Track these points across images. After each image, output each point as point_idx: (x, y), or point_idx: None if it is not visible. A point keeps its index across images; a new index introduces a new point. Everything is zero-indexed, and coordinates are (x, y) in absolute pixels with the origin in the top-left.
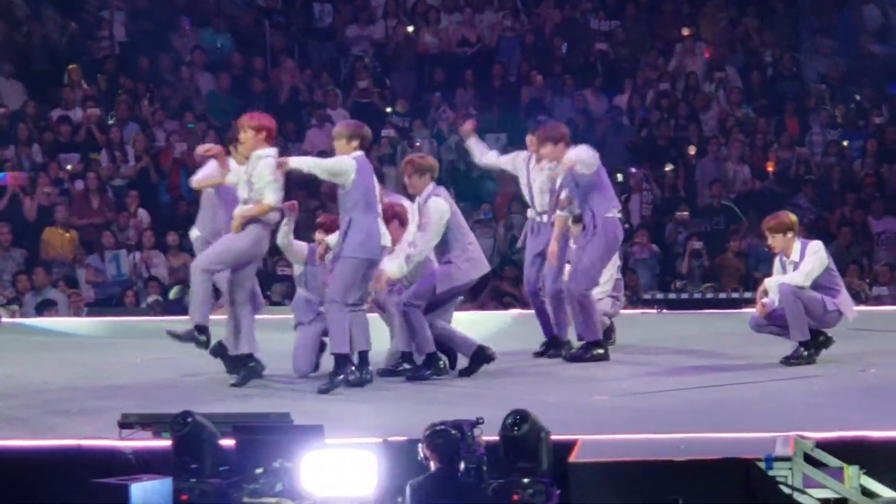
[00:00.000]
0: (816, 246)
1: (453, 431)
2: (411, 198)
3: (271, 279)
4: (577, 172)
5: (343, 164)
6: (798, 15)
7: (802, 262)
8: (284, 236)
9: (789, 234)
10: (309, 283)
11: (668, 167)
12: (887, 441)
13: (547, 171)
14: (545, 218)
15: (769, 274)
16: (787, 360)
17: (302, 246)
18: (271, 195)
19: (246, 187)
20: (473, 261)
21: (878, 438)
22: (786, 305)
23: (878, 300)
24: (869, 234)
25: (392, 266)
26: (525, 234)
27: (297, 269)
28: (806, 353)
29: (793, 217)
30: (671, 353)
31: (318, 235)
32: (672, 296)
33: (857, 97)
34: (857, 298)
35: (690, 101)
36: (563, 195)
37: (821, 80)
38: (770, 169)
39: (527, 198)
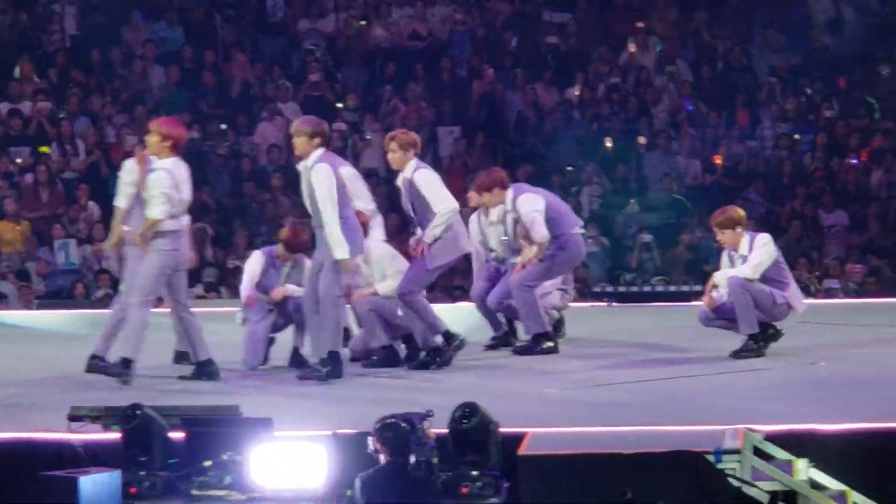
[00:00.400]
0: (764, 239)
1: (403, 424)
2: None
3: (224, 271)
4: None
5: (326, 179)
6: (749, 9)
7: (751, 254)
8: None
9: (738, 229)
10: (265, 285)
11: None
12: (836, 434)
13: (496, 224)
14: (507, 262)
15: (719, 267)
16: (737, 354)
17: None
18: (155, 209)
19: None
20: (461, 234)
21: (827, 431)
22: (734, 298)
23: (829, 293)
24: (819, 227)
25: (385, 287)
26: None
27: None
28: (755, 346)
29: (740, 212)
30: (621, 346)
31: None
32: (622, 289)
33: (808, 91)
34: (807, 292)
35: (641, 95)
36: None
37: (772, 74)
38: (720, 163)
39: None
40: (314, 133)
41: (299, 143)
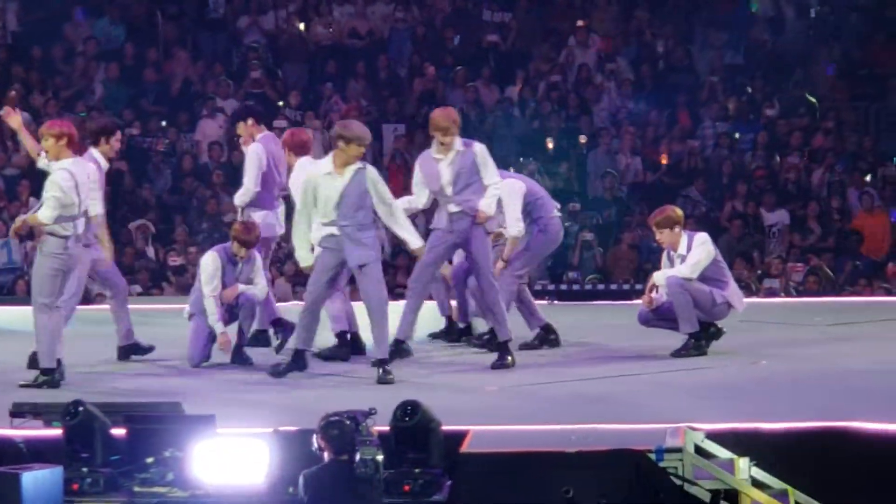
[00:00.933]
0: (703, 238)
1: (347, 422)
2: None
3: (163, 268)
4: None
5: (380, 178)
6: (691, 7)
7: (689, 254)
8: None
9: (676, 229)
10: (223, 282)
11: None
12: (777, 432)
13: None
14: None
15: (660, 267)
16: (678, 353)
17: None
18: (45, 212)
19: None
20: None
21: (768, 430)
22: (673, 297)
23: (769, 292)
24: (761, 226)
25: None
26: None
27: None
28: (696, 344)
29: (678, 211)
30: (563, 345)
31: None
32: (563, 287)
33: (749, 89)
34: (748, 291)
35: (582, 93)
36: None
37: (713, 73)
38: (662, 161)
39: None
40: (364, 142)
41: (352, 149)
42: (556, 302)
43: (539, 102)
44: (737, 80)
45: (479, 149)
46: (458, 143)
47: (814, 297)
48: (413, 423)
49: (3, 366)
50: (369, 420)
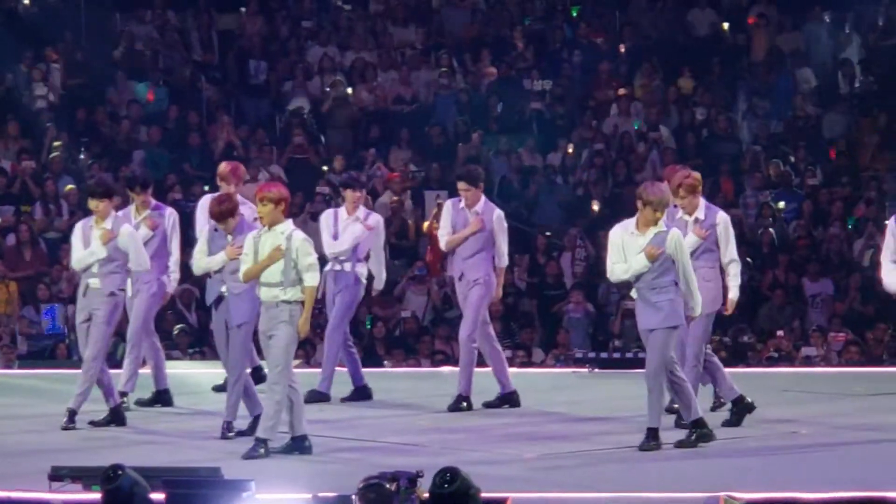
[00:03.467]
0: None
1: (387, 485)
2: None
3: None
4: None
5: None
6: (734, 76)
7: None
8: None
9: (698, 193)
10: None
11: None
12: (815, 502)
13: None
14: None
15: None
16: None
17: None
18: (317, 277)
19: None
20: None
21: (806, 499)
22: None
23: (810, 361)
24: (803, 296)
25: None
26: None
27: None
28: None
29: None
30: (601, 412)
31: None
32: (604, 355)
33: (792, 159)
34: (788, 360)
35: (627, 160)
36: None
37: (755, 142)
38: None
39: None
40: (657, 206)
41: (647, 212)
42: (596, 370)
43: (582, 170)
44: (779, 148)
45: None
46: None
47: (854, 366)
48: (452, 490)
49: (42, 428)
50: (419, 481)
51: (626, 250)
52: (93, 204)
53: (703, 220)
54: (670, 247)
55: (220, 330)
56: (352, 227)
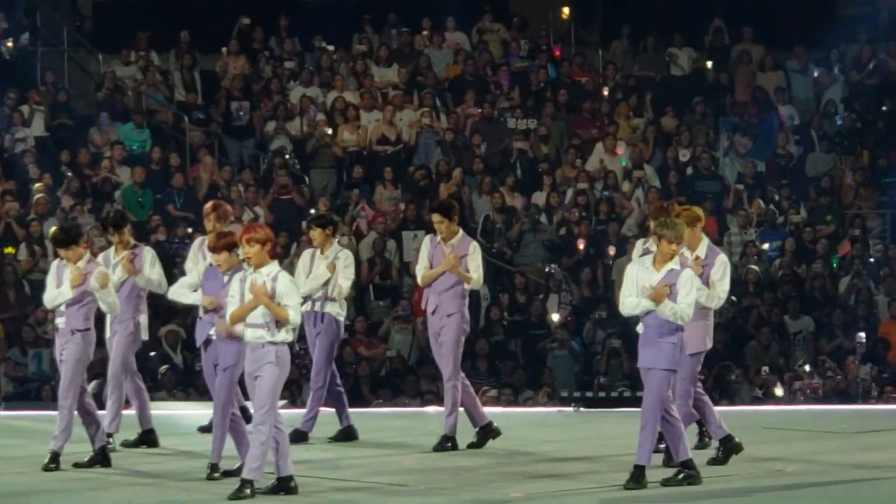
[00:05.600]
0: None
1: None
2: None
3: (190, 374)
4: None
5: None
6: (717, 115)
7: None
8: None
9: (698, 227)
10: None
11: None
12: None
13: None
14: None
15: None
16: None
17: None
18: (297, 317)
19: None
20: None
21: None
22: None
23: (794, 399)
24: (786, 333)
25: None
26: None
27: None
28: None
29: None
30: (588, 451)
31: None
32: (589, 394)
33: (776, 197)
34: (773, 399)
35: (610, 200)
36: None
37: (739, 180)
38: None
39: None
40: (671, 240)
41: (663, 246)
42: (582, 409)
43: (567, 209)
44: (763, 187)
45: None
46: None
47: (839, 404)
48: None
49: (27, 469)
50: None
51: (639, 285)
52: (61, 253)
53: (703, 259)
54: (679, 285)
55: (210, 371)
56: (319, 266)
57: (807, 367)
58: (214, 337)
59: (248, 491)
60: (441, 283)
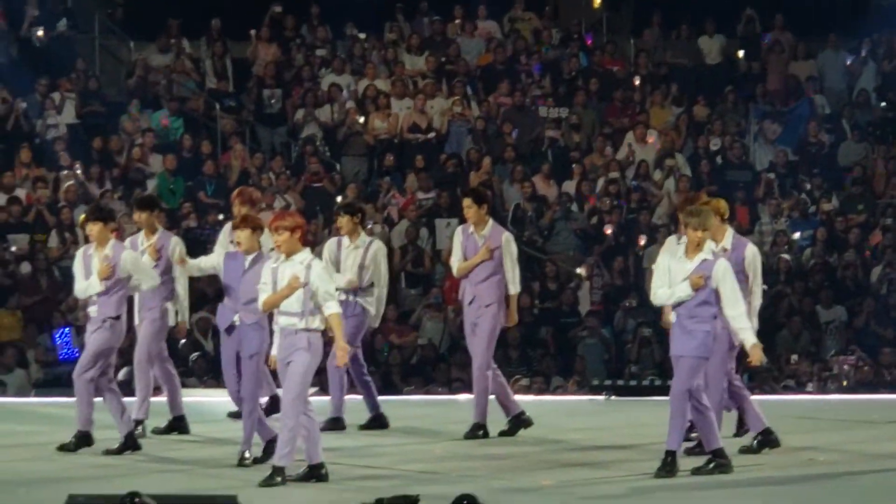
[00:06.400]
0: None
1: None
2: None
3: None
4: None
5: None
6: (748, 104)
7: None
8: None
9: (721, 220)
10: None
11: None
12: None
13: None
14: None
15: None
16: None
17: None
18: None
19: None
20: None
21: None
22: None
23: (825, 388)
24: (817, 323)
25: None
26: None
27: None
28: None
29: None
30: (618, 439)
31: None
32: (620, 382)
33: (808, 186)
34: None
35: (642, 188)
36: None
37: (770, 169)
38: None
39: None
40: (699, 227)
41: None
42: (613, 397)
43: (597, 198)
44: (794, 176)
45: None
46: None
47: (871, 394)
48: None
49: (58, 455)
50: None
51: (671, 275)
52: (88, 228)
53: (730, 251)
54: (716, 276)
55: (230, 357)
56: (353, 255)
57: (839, 357)
58: (238, 324)
59: (279, 479)
60: (477, 273)
